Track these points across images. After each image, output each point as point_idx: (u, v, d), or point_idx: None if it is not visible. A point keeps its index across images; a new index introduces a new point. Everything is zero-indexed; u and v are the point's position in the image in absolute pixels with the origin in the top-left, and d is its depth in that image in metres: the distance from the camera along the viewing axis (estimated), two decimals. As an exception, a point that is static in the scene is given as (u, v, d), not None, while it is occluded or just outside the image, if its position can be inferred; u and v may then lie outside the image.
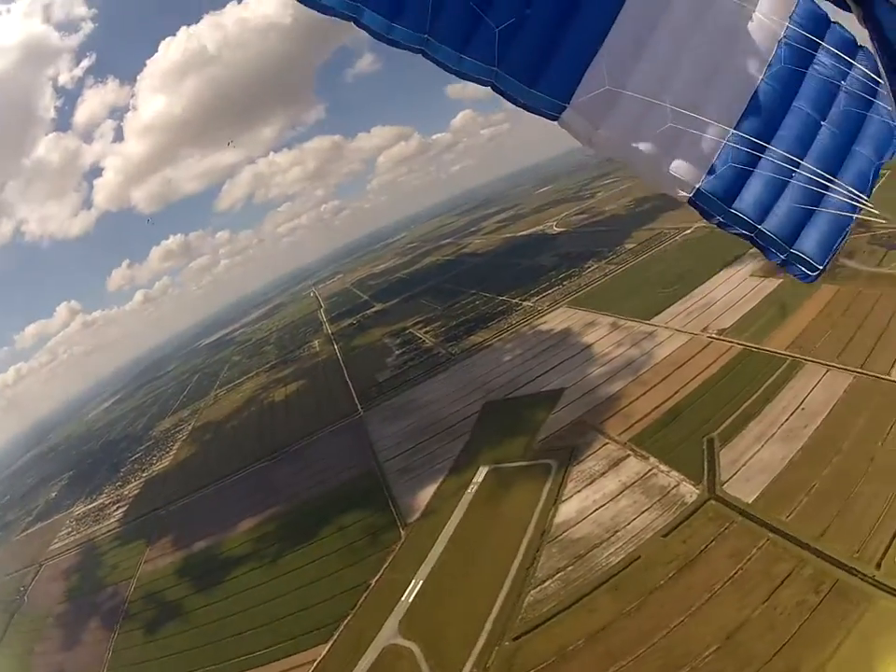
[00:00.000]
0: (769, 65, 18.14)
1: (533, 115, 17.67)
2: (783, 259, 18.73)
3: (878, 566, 66.23)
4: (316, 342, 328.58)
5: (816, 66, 18.39)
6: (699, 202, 18.72)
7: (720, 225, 19.01)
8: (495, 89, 17.67)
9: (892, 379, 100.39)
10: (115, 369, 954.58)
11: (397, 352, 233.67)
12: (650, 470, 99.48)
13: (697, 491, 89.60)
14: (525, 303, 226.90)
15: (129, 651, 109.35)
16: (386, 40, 17.27)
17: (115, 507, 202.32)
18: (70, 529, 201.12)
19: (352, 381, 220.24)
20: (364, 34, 16.88)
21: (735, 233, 18.88)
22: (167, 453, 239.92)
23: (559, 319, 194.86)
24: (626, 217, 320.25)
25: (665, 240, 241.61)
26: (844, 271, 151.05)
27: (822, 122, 18.43)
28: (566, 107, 17.75)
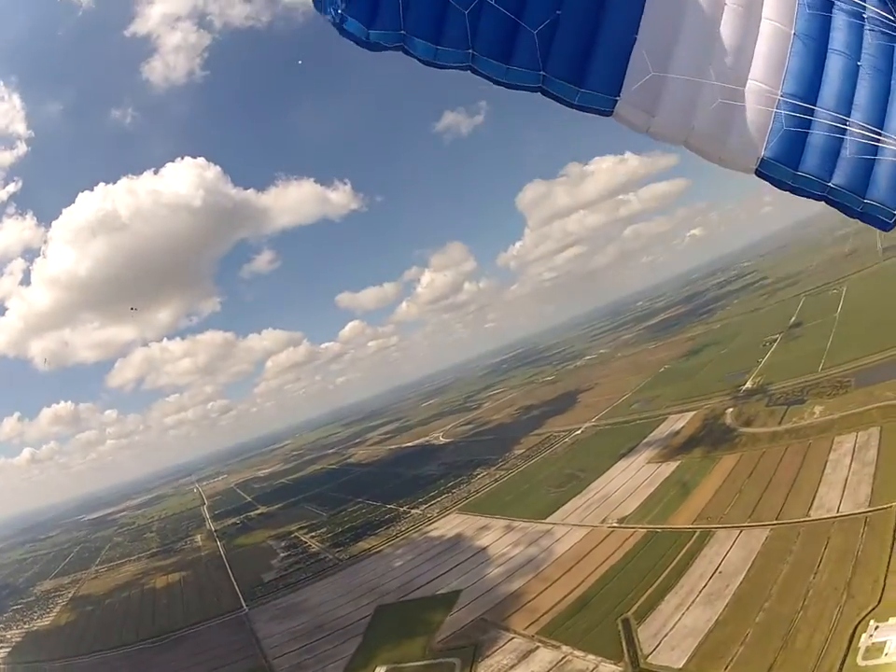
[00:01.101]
0: (797, 20, 17.97)
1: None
2: (860, 212, 18.64)
3: (840, 673, 62.10)
4: (199, 536, 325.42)
5: (839, 7, 18.14)
6: (766, 171, 18.84)
7: (792, 191, 19.07)
8: (545, 94, 18.46)
9: (812, 519, 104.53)
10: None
11: (282, 554, 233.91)
12: (563, 658, 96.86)
13: (619, 669, 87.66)
14: (413, 511, 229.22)
15: None
16: (435, 65, 18.60)
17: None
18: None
19: (236, 579, 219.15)
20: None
21: (807, 196, 18.98)
22: (48, 612, 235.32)
23: (450, 525, 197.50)
24: (513, 425, 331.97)
25: (555, 442, 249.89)
26: (743, 438, 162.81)
27: (860, 65, 18.06)
28: (617, 100, 18.36)
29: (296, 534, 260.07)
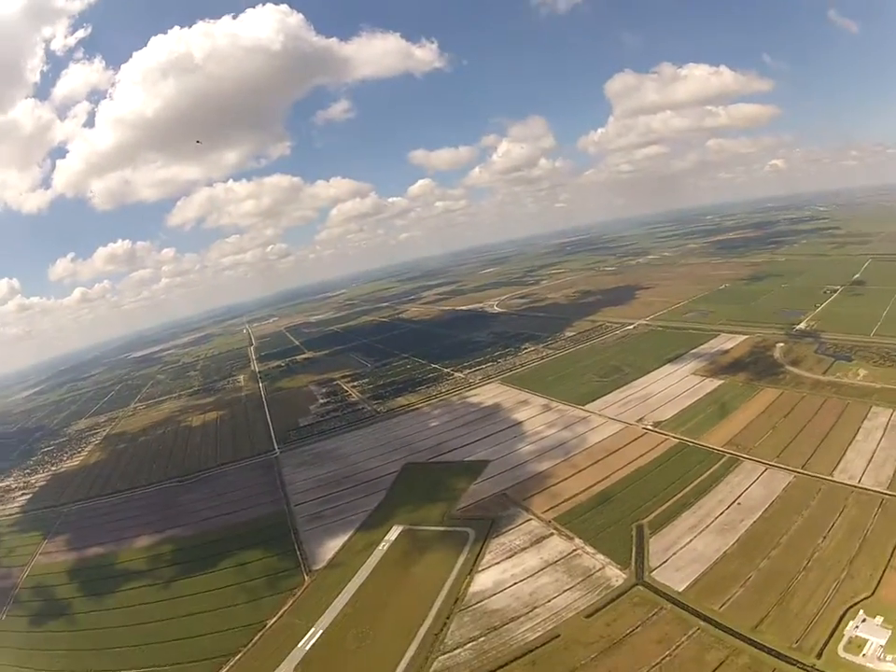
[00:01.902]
0: None
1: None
2: None
3: (819, 655, 65.78)
4: (242, 377, 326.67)
5: None
6: None
7: None
8: None
9: (834, 480, 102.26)
10: (41, 359, 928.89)
11: (321, 400, 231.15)
12: (574, 550, 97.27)
13: (624, 575, 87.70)
14: (456, 374, 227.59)
15: (12, 635, 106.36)
16: None
17: (20, 493, 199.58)
18: None
19: (272, 420, 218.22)
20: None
21: None
22: (78, 452, 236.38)
23: (490, 394, 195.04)
24: (568, 307, 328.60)
25: (606, 332, 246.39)
26: (788, 377, 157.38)
27: None
28: None
29: (338, 381, 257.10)
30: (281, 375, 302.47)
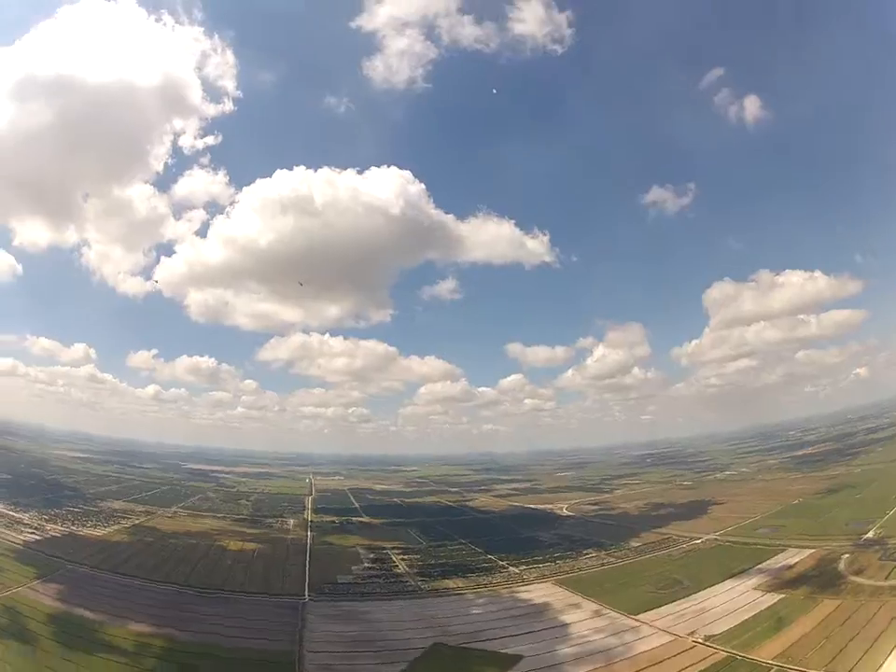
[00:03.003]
0: None
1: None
2: None
3: None
4: (292, 521, 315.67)
5: None
6: None
7: None
8: None
9: None
10: (97, 431, 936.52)
11: (366, 564, 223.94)
12: None
13: None
14: (511, 568, 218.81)
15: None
16: None
17: (30, 531, 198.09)
18: None
19: (310, 569, 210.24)
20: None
21: None
22: (103, 526, 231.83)
23: (542, 592, 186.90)
24: (638, 517, 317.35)
25: (672, 545, 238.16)
26: (849, 587, 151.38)
27: None
28: None
29: (388, 551, 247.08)
30: (332, 531, 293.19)
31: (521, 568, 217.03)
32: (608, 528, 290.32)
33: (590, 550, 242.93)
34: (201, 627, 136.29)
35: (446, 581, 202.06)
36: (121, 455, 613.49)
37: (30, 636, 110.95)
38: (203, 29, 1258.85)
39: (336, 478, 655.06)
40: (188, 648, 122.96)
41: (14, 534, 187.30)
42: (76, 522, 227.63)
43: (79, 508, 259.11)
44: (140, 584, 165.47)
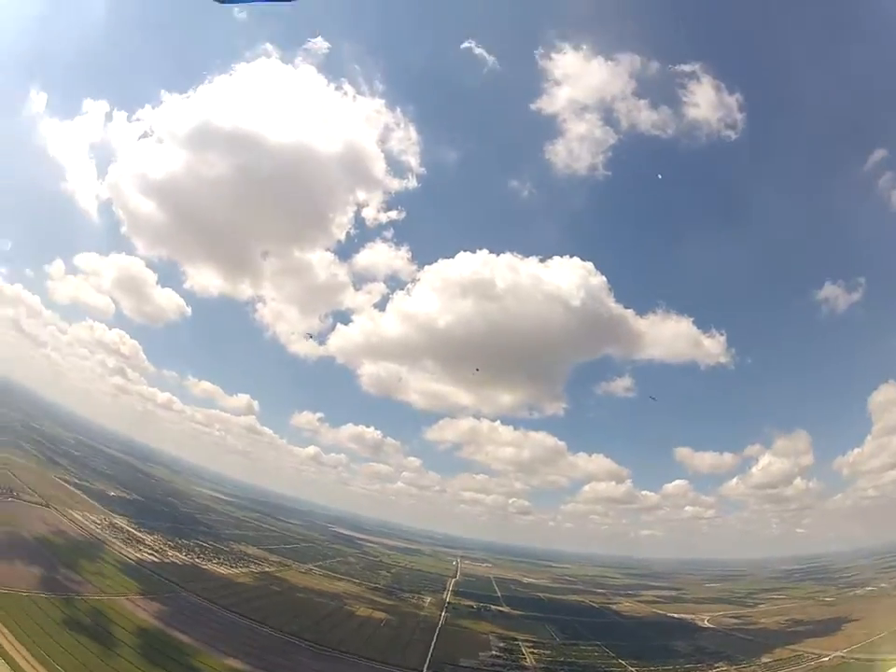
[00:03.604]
0: None
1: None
2: None
3: None
4: (429, 599, 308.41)
5: None
6: None
7: None
8: None
9: None
10: (246, 479, 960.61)
11: (493, 651, 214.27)
12: None
13: None
14: None
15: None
16: None
17: (149, 551, 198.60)
18: (99, 521, 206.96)
19: (435, 647, 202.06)
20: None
21: None
22: (229, 566, 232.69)
23: None
24: (775, 633, 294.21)
25: (800, 662, 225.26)
26: None
27: None
28: None
29: (520, 643, 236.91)
30: (468, 615, 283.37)
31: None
32: (743, 643, 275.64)
33: (720, 663, 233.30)
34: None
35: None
36: (266, 506, 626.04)
37: (110, 640, 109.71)
38: (384, 101, 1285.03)
39: (484, 565, 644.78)
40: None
41: (131, 550, 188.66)
42: (201, 555, 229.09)
43: (209, 544, 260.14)
44: (250, 625, 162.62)
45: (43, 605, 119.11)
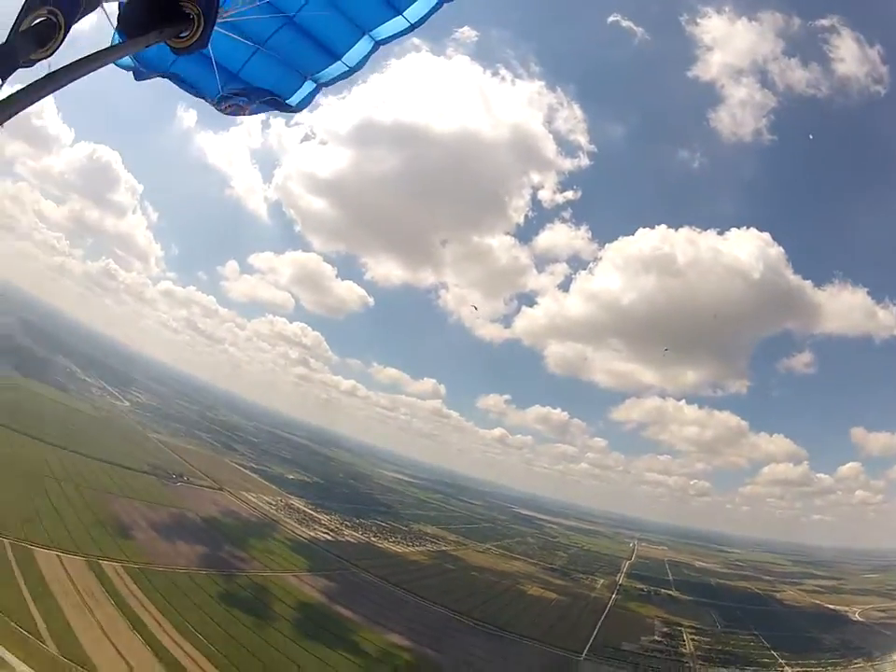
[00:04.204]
0: None
1: None
2: None
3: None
4: (601, 581, 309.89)
5: None
6: None
7: None
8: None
9: None
10: (426, 460, 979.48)
11: (656, 636, 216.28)
12: None
13: None
14: (786, 668, 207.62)
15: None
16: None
17: (323, 530, 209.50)
18: (274, 503, 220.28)
19: (600, 629, 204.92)
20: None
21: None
22: (405, 545, 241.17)
23: None
24: None
25: None
26: None
27: None
28: None
29: (682, 629, 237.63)
30: (637, 598, 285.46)
31: (795, 670, 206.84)
32: (888, 639, 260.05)
33: (859, 660, 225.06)
34: (458, 655, 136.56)
35: (722, 670, 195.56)
36: (449, 487, 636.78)
37: (266, 614, 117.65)
38: (543, 83, 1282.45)
39: (661, 548, 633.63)
40: (434, 669, 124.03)
41: (305, 529, 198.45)
42: (378, 534, 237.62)
43: (387, 524, 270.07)
44: (417, 602, 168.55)
45: (202, 581, 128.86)
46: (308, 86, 17.91)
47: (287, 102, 17.59)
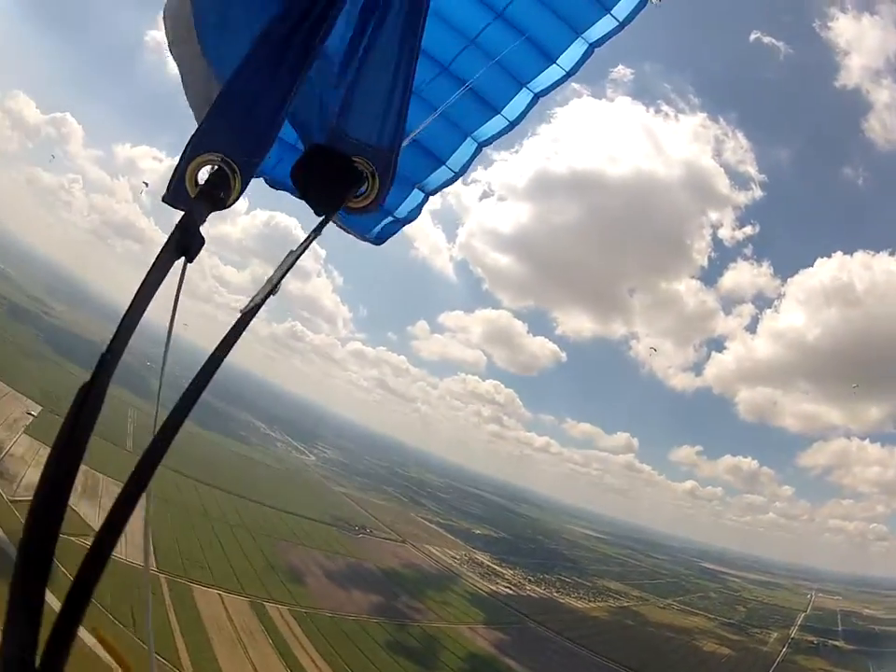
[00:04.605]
0: None
1: None
2: None
3: None
4: (774, 634, 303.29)
5: None
6: None
7: None
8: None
9: None
10: (616, 516, 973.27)
11: None
12: None
13: None
14: None
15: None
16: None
17: (506, 584, 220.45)
18: (458, 557, 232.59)
19: None
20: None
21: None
22: (587, 600, 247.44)
23: None
24: None
25: None
26: None
27: None
28: None
29: None
30: (805, 650, 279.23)
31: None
32: None
33: None
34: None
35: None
36: (637, 542, 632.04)
37: (431, 662, 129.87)
38: (705, 114, 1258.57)
39: (835, 598, 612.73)
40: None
41: (485, 583, 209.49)
42: (561, 590, 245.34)
43: (571, 579, 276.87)
44: (590, 657, 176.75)
45: (371, 629, 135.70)
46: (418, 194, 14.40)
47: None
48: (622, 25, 13.75)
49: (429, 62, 13.36)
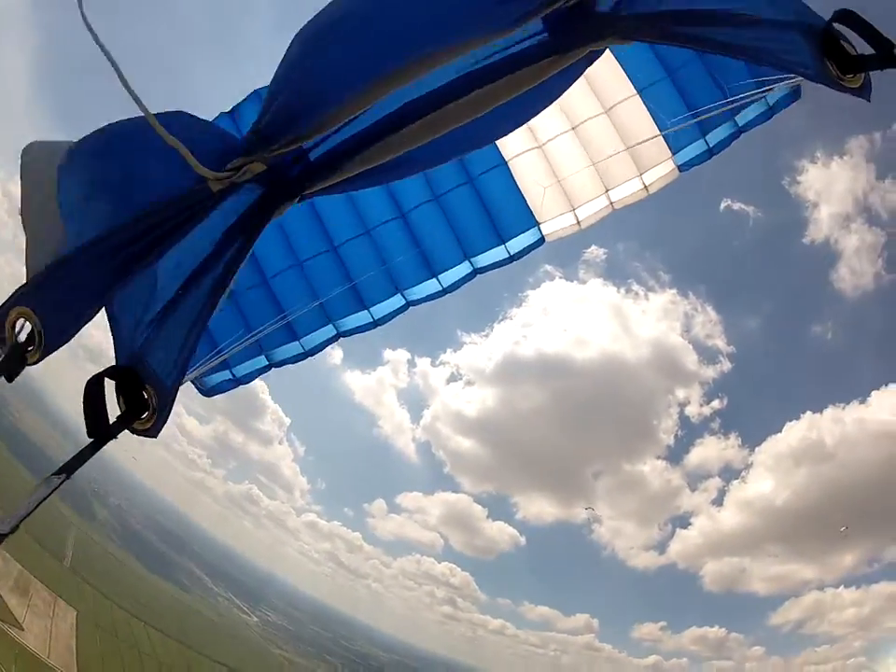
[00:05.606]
0: None
1: None
2: None
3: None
4: None
5: None
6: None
7: None
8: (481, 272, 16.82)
9: None
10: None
11: None
12: None
13: None
14: None
15: None
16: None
17: None
18: None
19: None
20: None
21: None
22: None
23: None
24: None
25: None
26: None
27: None
28: (540, 225, 16.48)
29: None
30: None
31: None
32: None
33: None
34: None
35: None
36: None
37: None
38: (675, 290, 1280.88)
39: None
40: None
41: None
42: None
43: None
44: None
45: None
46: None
47: None
48: (511, 259, 16.40)
49: (323, 253, 16.06)
